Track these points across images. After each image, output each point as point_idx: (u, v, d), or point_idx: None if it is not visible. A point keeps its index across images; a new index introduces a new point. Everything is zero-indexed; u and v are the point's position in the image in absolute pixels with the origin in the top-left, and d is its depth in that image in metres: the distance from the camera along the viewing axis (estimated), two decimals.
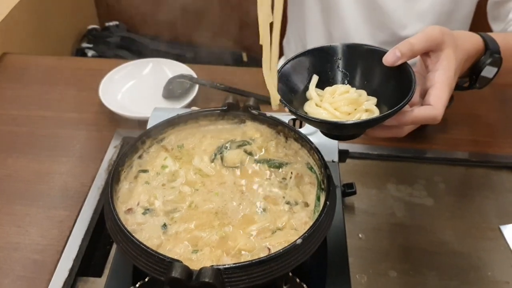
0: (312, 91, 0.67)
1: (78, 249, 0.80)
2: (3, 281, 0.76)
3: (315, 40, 1.25)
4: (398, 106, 0.58)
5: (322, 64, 0.68)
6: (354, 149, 0.93)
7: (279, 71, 0.66)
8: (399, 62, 0.63)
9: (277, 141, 0.74)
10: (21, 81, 1.15)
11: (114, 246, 0.81)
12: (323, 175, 0.66)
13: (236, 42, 1.94)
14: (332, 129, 0.64)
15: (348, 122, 0.61)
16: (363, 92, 0.66)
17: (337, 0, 1.13)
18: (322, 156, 0.67)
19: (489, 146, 0.98)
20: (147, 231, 0.61)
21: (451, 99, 0.98)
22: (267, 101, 1.05)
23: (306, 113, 0.64)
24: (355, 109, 0.64)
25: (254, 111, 0.74)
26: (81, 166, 0.94)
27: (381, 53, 0.65)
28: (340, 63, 0.69)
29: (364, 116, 0.63)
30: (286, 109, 0.62)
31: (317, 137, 0.78)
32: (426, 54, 0.66)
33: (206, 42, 2.04)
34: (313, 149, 0.69)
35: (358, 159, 0.95)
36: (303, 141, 0.71)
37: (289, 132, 0.73)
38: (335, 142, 0.81)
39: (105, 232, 0.84)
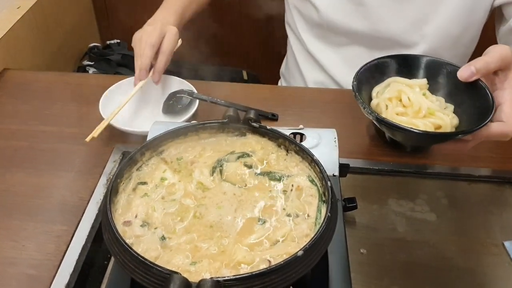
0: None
1: (75, 264, 0.78)
2: None
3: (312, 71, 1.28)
4: (482, 124, 0.65)
5: (405, 69, 0.78)
6: (355, 164, 0.93)
7: (364, 65, 0.79)
8: (474, 78, 0.67)
9: (278, 154, 0.73)
10: (22, 97, 1.15)
11: (111, 262, 0.80)
12: (324, 187, 0.65)
13: (236, 60, 1.95)
14: (415, 139, 0.73)
15: (435, 133, 0.67)
16: (442, 99, 0.73)
17: (340, 31, 1.16)
18: (323, 168, 0.66)
19: (491, 162, 0.97)
20: (145, 243, 0.60)
21: None
22: (267, 116, 1.07)
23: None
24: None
25: (254, 124, 0.74)
26: (79, 180, 0.93)
27: (455, 68, 0.71)
28: (422, 72, 0.78)
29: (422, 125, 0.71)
30: (370, 116, 0.70)
31: (317, 150, 0.78)
32: (494, 72, 0.70)
33: (206, 60, 2.05)
34: (314, 162, 0.68)
35: (359, 174, 0.94)
36: (304, 154, 0.70)
37: (290, 145, 0.72)
38: (336, 156, 0.80)
39: (103, 247, 0.83)
